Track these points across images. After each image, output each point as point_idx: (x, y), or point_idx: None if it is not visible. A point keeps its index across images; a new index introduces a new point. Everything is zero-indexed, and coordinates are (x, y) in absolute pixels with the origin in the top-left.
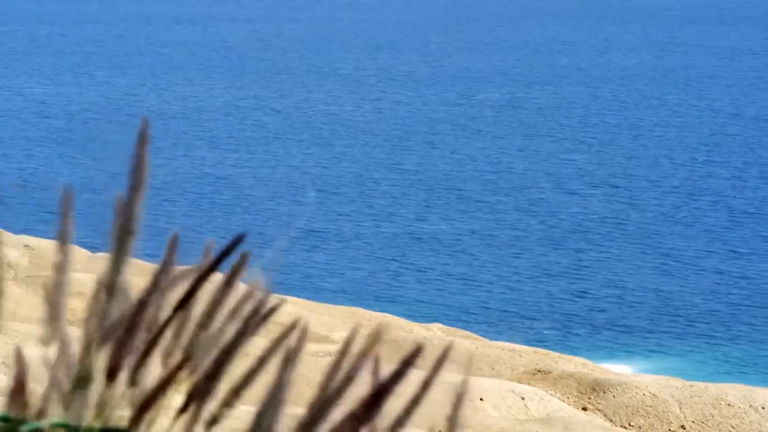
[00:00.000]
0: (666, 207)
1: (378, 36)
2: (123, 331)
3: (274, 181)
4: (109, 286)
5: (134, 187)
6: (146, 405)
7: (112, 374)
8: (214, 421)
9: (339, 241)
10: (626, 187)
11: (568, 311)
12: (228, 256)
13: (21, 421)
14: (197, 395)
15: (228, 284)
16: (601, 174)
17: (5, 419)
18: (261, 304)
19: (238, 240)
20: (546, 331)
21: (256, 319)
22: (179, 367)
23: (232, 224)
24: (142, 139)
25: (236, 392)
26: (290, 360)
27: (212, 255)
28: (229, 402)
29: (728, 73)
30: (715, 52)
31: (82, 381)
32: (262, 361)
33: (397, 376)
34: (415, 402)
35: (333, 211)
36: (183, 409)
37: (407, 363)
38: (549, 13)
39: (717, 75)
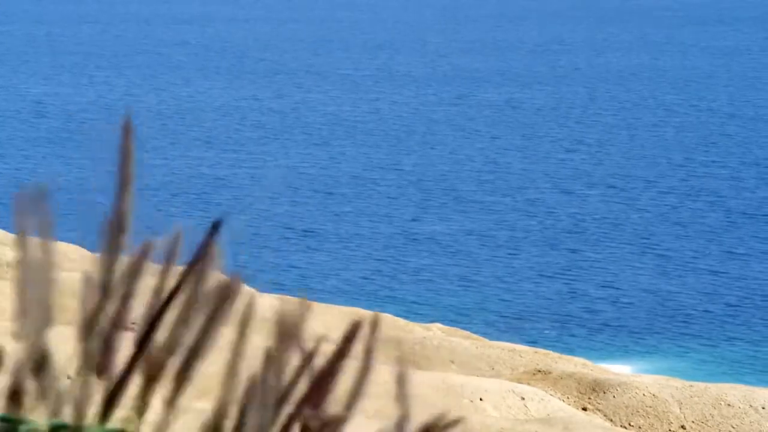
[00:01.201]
0: (664, 207)
1: (376, 36)
2: (110, 328)
3: (271, 181)
4: (103, 284)
5: (122, 183)
6: (112, 396)
7: (101, 371)
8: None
9: (337, 241)
10: (624, 187)
11: (568, 312)
12: (207, 248)
13: (21, 421)
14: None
15: (191, 272)
16: (599, 174)
17: (5, 419)
18: (229, 290)
19: (214, 229)
20: (546, 332)
21: (225, 305)
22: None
23: (230, 225)
24: (127, 133)
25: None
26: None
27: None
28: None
29: (726, 74)
30: (713, 53)
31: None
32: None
33: (338, 358)
34: (357, 388)
35: (330, 211)
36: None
37: (348, 341)
38: (547, 13)
39: (715, 75)
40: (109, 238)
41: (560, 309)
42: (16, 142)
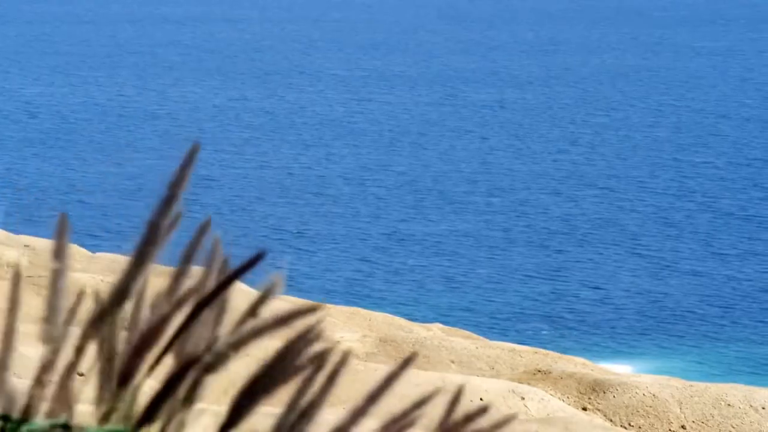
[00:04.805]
0: (657, 208)
1: (370, 36)
2: (140, 339)
3: (264, 181)
4: (122, 290)
5: (168, 200)
6: (151, 409)
7: (123, 380)
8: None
9: (329, 242)
10: (621, 188)
11: (566, 312)
12: (248, 270)
13: (21, 421)
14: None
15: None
16: (593, 175)
17: (5, 419)
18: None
19: (259, 255)
20: (544, 332)
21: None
22: (187, 366)
23: (222, 225)
24: (190, 159)
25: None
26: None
27: (228, 264)
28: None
29: (718, 74)
30: (706, 53)
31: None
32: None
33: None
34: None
35: (322, 211)
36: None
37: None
38: (541, 14)
39: (707, 76)
40: (140, 248)
41: (557, 309)
42: (8, 143)
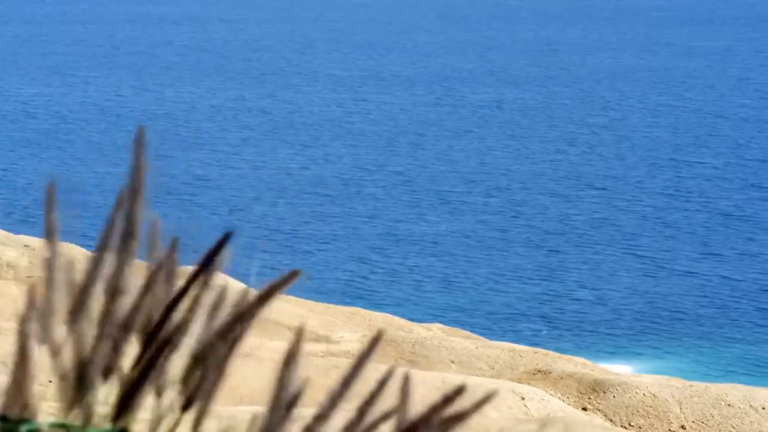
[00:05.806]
0: (656, 208)
1: (367, 36)
2: (118, 331)
3: (261, 181)
4: (112, 286)
5: (133, 191)
6: (128, 396)
7: (106, 373)
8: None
9: (326, 242)
10: (619, 188)
11: (566, 312)
12: (218, 254)
13: (20, 421)
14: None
15: (198, 277)
16: (591, 175)
17: (4, 419)
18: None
19: (226, 238)
20: (544, 332)
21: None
22: (158, 354)
23: (218, 225)
24: (140, 145)
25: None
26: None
27: (200, 253)
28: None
29: (715, 74)
30: (703, 53)
31: (81, 380)
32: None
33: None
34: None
35: (319, 212)
36: (185, 407)
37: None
38: (539, 14)
39: (704, 76)
40: (120, 243)
41: (555, 310)
42: (6, 143)
